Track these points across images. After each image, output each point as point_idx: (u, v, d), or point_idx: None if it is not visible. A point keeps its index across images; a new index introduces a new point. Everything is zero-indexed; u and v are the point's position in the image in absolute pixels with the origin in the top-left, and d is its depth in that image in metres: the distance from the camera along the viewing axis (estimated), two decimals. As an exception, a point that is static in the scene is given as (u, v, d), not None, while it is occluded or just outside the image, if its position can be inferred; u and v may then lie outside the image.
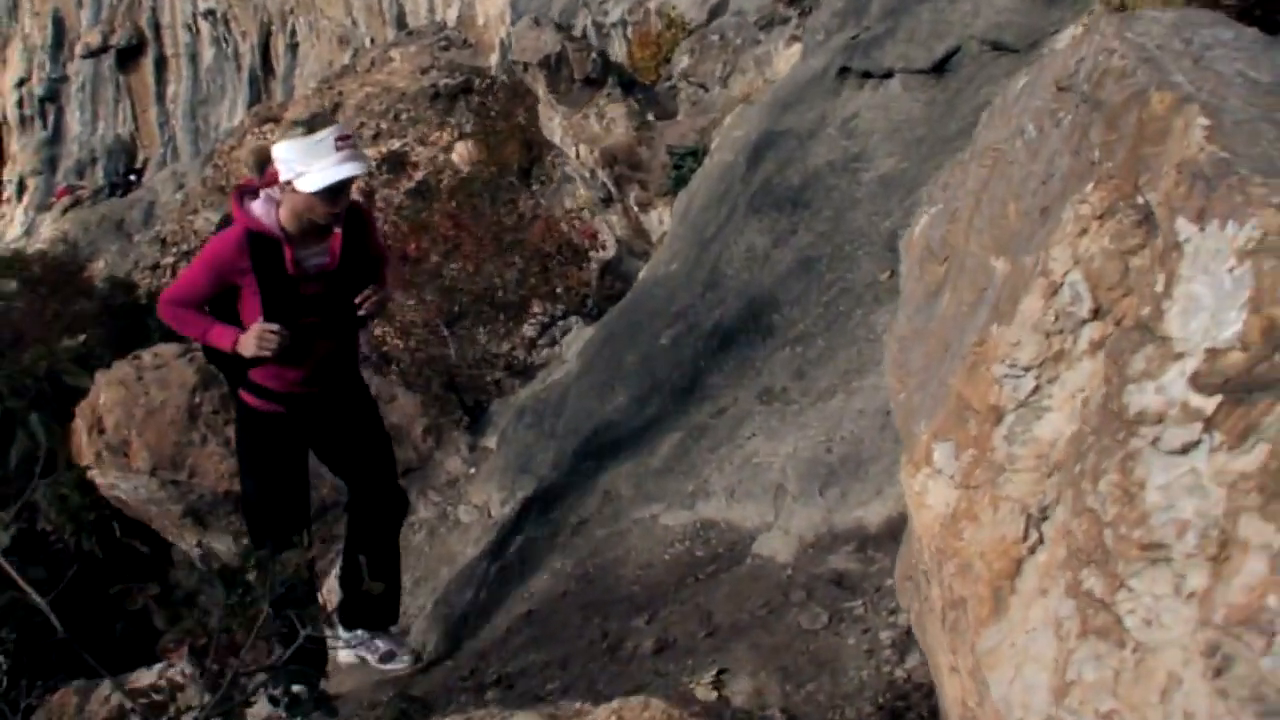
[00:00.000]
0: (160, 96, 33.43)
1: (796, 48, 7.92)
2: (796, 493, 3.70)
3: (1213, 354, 1.39)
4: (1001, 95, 2.46)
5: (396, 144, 19.11)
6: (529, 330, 7.04)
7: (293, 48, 29.51)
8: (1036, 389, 1.82)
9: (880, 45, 5.89)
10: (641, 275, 6.28)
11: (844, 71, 5.96)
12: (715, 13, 13.30)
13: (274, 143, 3.45)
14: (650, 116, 10.41)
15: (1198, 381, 1.38)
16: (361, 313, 3.59)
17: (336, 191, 3.29)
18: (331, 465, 3.96)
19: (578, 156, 8.05)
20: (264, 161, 3.51)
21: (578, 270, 7.02)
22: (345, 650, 3.99)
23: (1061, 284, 1.84)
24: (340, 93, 22.31)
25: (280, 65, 29.96)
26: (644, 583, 3.73)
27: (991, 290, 2.10)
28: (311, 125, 3.39)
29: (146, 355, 6.39)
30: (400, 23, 25.40)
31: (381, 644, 4.03)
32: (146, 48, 33.64)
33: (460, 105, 18.76)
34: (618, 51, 16.49)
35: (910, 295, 2.51)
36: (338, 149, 3.24)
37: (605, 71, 10.76)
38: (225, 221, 3.49)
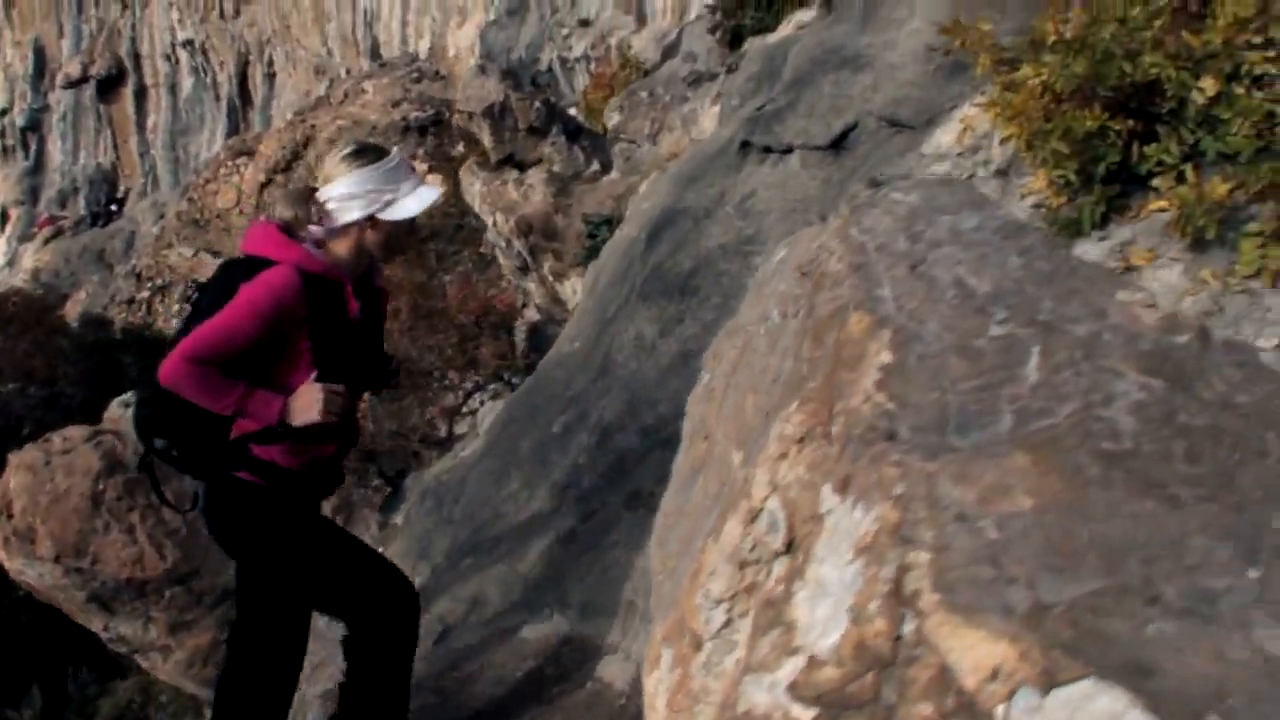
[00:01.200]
0: (140, 126, 33.46)
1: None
2: (644, 610, 3.66)
3: (813, 662, 1.32)
4: (763, 266, 2.39)
5: (366, 178, 19.04)
6: (450, 400, 7.00)
7: (270, 77, 29.53)
8: (728, 622, 1.76)
9: (782, 119, 5.85)
10: (550, 353, 6.25)
11: (745, 146, 5.91)
12: (669, 53, 13.32)
13: (327, 180, 2.85)
14: (595, 165, 10.40)
15: (796, 689, 1.32)
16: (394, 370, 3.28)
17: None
18: None
19: (494, 225, 8.03)
20: (305, 201, 2.97)
21: (494, 340, 6.98)
22: None
23: (761, 510, 1.77)
24: (313, 125, 22.28)
25: (258, 95, 29.98)
26: (492, 702, 3.71)
27: (727, 488, 2.04)
28: (371, 152, 2.90)
29: (56, 439, 6.37)
30: (374, 53, 25.43)
31: None
32: (126, 78, 33.67)
33: (430, 139, 18.75)
34: (579, 86, 16.53)
35: (679, 469, 2.45)
36: (413, 169, 2.95)
37: (549, 120, 10.75)
38: (248, 265, 2.80)
